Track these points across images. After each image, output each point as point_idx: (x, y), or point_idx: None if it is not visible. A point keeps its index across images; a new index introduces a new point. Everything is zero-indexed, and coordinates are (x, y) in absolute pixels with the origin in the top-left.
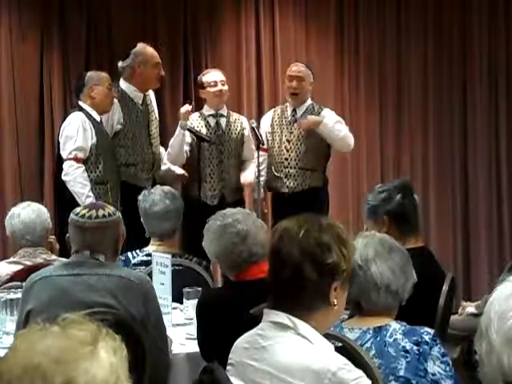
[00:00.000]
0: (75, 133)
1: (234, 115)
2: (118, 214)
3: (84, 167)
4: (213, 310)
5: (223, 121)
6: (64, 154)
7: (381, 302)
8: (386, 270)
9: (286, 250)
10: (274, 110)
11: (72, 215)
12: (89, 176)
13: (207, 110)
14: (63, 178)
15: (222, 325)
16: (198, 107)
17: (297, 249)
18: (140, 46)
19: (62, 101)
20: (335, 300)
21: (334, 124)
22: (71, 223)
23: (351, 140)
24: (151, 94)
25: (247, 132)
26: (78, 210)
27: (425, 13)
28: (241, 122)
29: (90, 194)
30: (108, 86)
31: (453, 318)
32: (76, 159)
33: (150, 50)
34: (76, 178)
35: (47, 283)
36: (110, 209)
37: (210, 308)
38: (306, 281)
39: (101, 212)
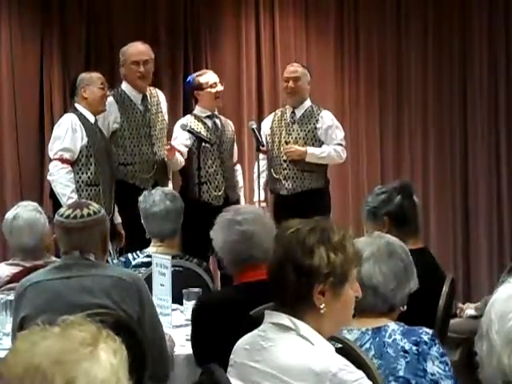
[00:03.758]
0: (63, 134)
1: (222, 117)
2: (103, 211)
3: (69, 168)
4: (207, 313)
5: (218, 122)
6: (51, 154)
7: (366, 303)
8: (378, 273)
9: (275, 247)
10: (274, 113)
11: (56, 216)
12: (80, 177)
13: (202, 111)
14: (48, 178)
15: (217, 328)
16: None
17: (281, 247)
18: (128, 45)
19: (62, 101)
20: (323, 305)
21: (319, 152)
22: (56, 225)
23: (341, 155)
24: (160, 95)
25: (234, 133)
26: (62, 210)
27: (425, 13)
28: (229, 124)
29: (72, 195)
30: (100, 85)
31: (452, 321)
32: (61, 160)
33: (132, 48)
34: (59, 178)
35: (39, 288)
36: (95, 207)
37: (205, 312)
38: (286, 280)
39: (85, 211)
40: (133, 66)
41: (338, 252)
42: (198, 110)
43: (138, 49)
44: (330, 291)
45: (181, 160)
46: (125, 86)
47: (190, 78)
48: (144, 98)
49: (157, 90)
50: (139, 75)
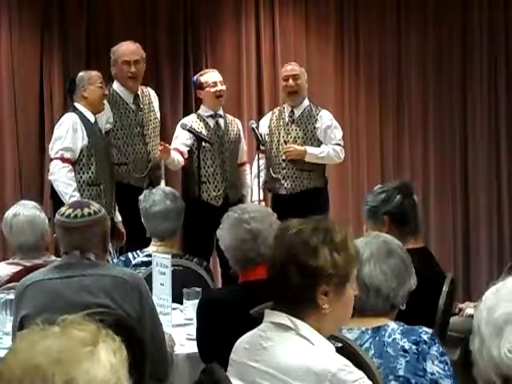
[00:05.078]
0: (64, 133)
1: (229, 116)
2: (103, 211)
3: (70, 167)
4: (214, 309)
5: (222, 121)
6: (52, 153)
7: (369, 304)
8: (379, 273)
9: (276, 248)
10: (272, 111)
11: (57, 216)
12: (81, 177)
13: (205, 110)
14: (49, 177)
15: (223, 325)
16: (197, 108)
17: (283, 248)
18: (118, 44)
19: (62, 101)
20: (326, 305)
21: (319, 152)
22: (57, 224)
23: (340, 155)
24: (152, 93)
25: (242, 133)
26: (62, 210)
27: (425, 13)
28: (236, 123)
29: (75, 193)
30: (99, 83)
31: (452, 319)
32: (62, 159)
33: (122, 47)
34: (60, 177)
35: (39, 288)
36: (95, 206)
37: (212, 307)
38: (290, 281)
39: (86, 210)
40: (124, 66)
41: (341, 252)
42: (202, 109)
43: (128, 48)
44: (333, 291)
45: (179, 159)
46: (116, 85)
47: (194, 78)
48: (136, 97)
49: (148, 88)
50: (130, 75)
